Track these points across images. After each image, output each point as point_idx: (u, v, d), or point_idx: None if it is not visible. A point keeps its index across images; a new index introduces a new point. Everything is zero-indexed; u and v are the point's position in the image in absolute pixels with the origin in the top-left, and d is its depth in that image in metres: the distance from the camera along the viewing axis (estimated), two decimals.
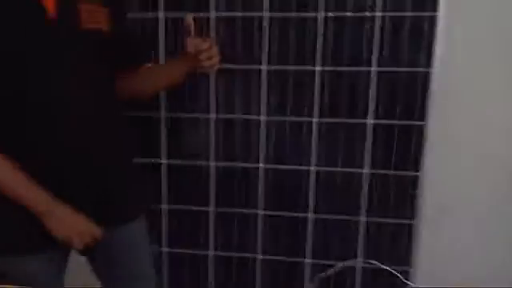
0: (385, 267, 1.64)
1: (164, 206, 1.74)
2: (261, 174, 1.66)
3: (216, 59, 1.19)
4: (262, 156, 1.65)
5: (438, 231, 1.62)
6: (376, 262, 1.65)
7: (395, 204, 1.61)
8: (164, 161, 1.70)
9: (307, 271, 1.70)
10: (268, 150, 1.64)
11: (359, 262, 1.67)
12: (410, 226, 1.62)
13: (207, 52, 1.17)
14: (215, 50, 1.18)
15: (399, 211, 1.61)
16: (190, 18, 1.19)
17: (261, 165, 1.66)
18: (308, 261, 1.69)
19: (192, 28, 1.18)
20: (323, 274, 1.68)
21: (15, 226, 1.07)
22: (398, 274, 1.64)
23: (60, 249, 1.11)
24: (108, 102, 1.15)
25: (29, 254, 1.08)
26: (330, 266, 1.67)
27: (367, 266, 1.66)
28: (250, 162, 1.66)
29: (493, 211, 1.59)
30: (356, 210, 1.63)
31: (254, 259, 1.73)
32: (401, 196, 1.60)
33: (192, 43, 1.18)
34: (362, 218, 1.64)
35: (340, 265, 1.66)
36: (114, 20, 1.12)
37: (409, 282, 1.64)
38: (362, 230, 1.65)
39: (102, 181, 1.13)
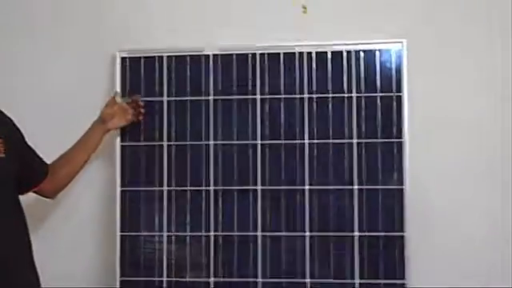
0: None
1: None
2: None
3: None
4: (259, 272, 1.75)
5: None
6: None
7: None
8: (164, 278, 1.77)
9: None
10: (264, 264, 1.75)
11: None
12: None
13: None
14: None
15: None
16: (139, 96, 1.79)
17: (259, 279, 1.75)
18: None
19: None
20: None
21: None
22: None
23: None
24: (12, 222, 1.33)
25: None
26: None
27: None
28: (247, 277, 1.75)
29: None
30: None
31: None
32: None
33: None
34: None
35: None
36: (10, 148, 1.32)
37: None
38: None
39: None
